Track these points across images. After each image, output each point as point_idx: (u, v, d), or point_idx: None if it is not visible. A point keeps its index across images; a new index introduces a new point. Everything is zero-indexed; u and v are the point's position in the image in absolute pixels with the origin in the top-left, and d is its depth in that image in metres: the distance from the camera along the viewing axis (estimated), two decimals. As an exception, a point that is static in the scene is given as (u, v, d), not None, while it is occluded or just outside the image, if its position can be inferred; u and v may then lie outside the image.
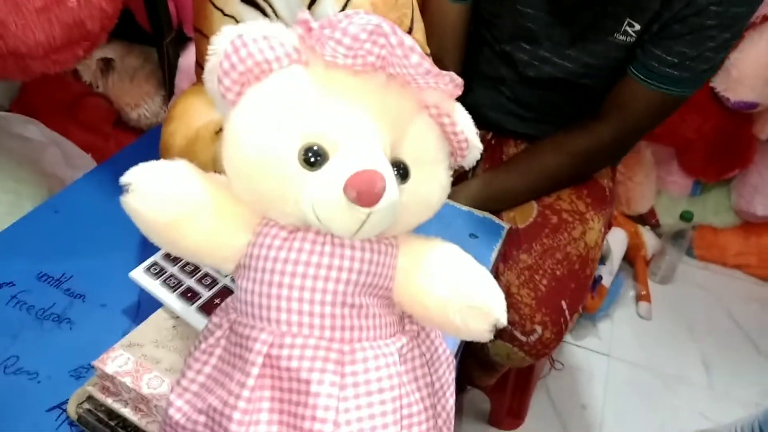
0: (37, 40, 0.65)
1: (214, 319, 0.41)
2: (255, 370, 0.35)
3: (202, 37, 0.66)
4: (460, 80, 0.36)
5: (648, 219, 1.70)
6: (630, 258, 1.64)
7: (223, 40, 0.35)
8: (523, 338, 0.78)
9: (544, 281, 0.79)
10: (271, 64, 0.35)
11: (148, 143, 0.86)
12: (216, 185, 0.38)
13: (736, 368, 1.47)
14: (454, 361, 0.46)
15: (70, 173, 0.95)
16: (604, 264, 1.49)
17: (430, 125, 0.38)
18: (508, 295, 0.78)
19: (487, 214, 0.73)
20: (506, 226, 0.73)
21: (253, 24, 0.36)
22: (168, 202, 0.36)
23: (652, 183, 1.64)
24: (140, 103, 1.18)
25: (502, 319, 0.40)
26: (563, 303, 0.79)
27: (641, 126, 0.82)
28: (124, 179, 0.36)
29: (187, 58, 1.14)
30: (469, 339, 0.41)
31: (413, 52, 0.33)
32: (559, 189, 0.89)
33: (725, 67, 1.36)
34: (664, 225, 1.69)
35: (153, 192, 0.36)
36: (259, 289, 0.37)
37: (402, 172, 0.36)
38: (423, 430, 0.40)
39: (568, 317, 0.79)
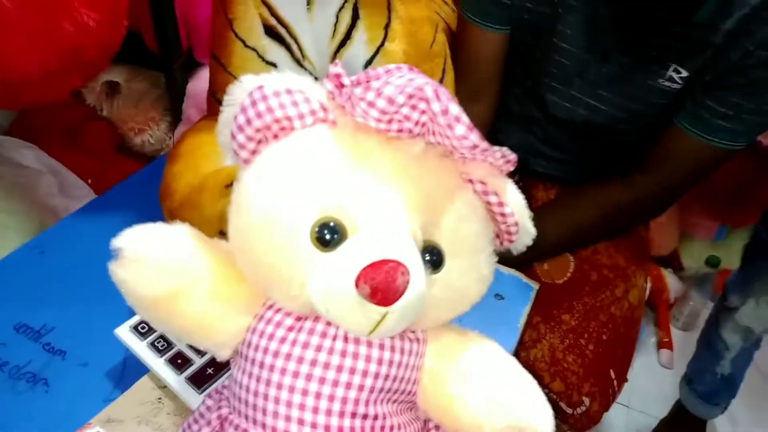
0: (29, 68, 0.60)
1: (206, 403, 0.35)
2: None
3: (219, 66, 0.61)
4: (513, 156, 0.30)
5: (671, 262, 1.62)
6: (652, 302, 1.56)
7: (241, 91, 0.30)
8: (569, 410, 0.70)
9: (591, 346, 0.72)
10: (292, 121, 0.30)
11: (151, 175, 0.81)
12: (218, 257, 0.32)
13: (764, 423, 1.38)
14: None
15: (65, 203, 0.90)
16: (626, 310, 1.41)
17: (473, 205, 0.32)
18: (553, 362, 0.71)
19: (514, 272, 0.66)
20: (536, 286, 0.66)
21: (277, 75, 0.30)
22: (160, 275, 0.30)
23: (675, 225, 1.57)
24: (145, 129, 1.13)
25: None
26: (611, 372, 0.72)
27: (687, 180, 0.75)
28: (116, 243, 0.30)
29: (196, 84, 1.09)
30: None
31: (459, 122, 0.27)
32: (593, 244, 0.83)
33: (758, 108, 1.30)
34: (687, 268, 1.61)
35: (143, 262, 0.30)
36: (255, 386, 0.30)
37: (435, 259, 0.30)
38: None
39: (616, 387, 0.72)
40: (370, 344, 0.30)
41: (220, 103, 0.67)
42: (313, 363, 0.30)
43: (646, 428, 1.36)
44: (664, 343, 1.51)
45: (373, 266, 0.26)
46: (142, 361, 0.49)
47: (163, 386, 0.48)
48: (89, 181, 1.08)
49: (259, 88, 0.30)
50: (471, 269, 0.32)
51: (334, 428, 0.30)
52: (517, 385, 0.33)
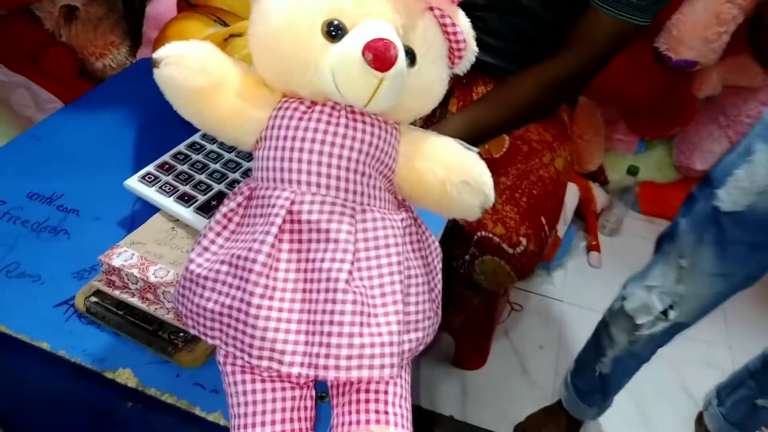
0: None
1: (233, 192, 0.44)
2: (278, 220, 0.39)
3: None
4: None
5: (597, 176, 1.80)
6: (581, 212, 1.73)
7: None
8: (510, 250, 0.83)
9: (524, 199, 0.86)
10: None
11: (122, 82, 0.87)
12: (240, 66, 0.42)
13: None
14: (441, 252, 0.50)
15: (40, 116, 0.95)
16: (558, 215, 1.57)
17: (435, 24, 0.42)
18: (494, 212, 0.85)
19: (458, 141, 0.78)
20: (477, 150, 0.78)
21: None
22: (199, 70, 0.39)
23: (601, 142, 1.73)
24: (105, 54, 1.18)
25: (491, 196, 0.45)
26: (542, 219, 0.86)
27: (604, 52, 0.89)
28: (157, 54, 0.39)
29: (155, 7, 1.13)
30: (461, 215, 0.46)
31: None
32: (531, 119, 0.95)
33: (667, 26, 1.46)
34: (612, 181, 1.80)
35: (187, 61, 0.39)
36: (281, 154, 0.41)
37: (410, 57, 0.40)
38: (420, 291, 0.45)
39: (548, 232, 0.86)
40: (364, 122, 0.41)
41: (191, 5, 0.73)
42: (325, 132, 0.40)
43: (578, 318, 1.55)
44: (592, 246, 1.69)
45: (374, 41, 0.36)
46: (154, 203, 0.58)
47: (175, 220, 0.57)
48: (55, 102, 1.12)
49: None
50: (435, 69, 0.43)
51: (342, 179, 0.40)
52: (466, 155, 0.45)
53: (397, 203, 0.46)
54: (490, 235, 0.84)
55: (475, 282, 0.91)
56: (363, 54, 0.36)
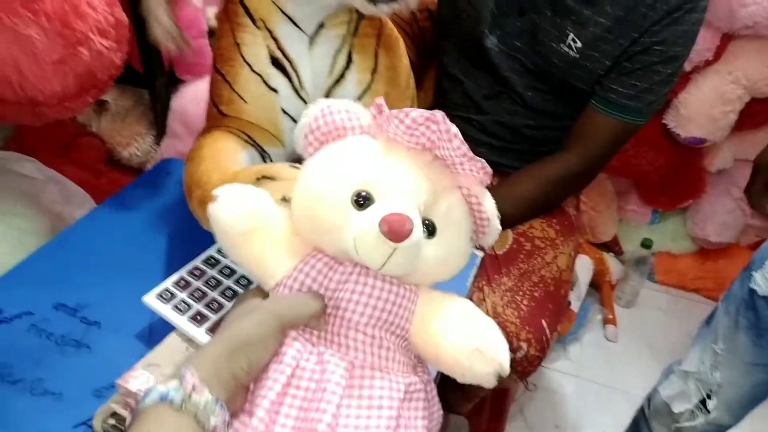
0: (53, 89, 0.71)
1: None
2: (283, 378, 0.42)
3: (225, 82, 0.72)
4: (489, 169, 0.44)
5: (611, 247, 1.80)
6: (596, 284, 1.73)
7: (315, 108, 0.45)
8: (511, 355, 0.84)
9: (525, 302, 0.87)
10: (347, 131, 0.45)
11: (145, 184, 0.92)
12: (281, 215, 0.46)
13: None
14: (442, 417, 0.50)
15: (68, 210, 1.00)
16: (572, 290, 1.58)
17: (461, 201, 0.46)
18: (495, 315, 0.85)
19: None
20: (480, 254, 0.80)
21: (341, 101, 0.46)
22: (251, 216, 0.44)
23: (613, 212, 1.75)
24: (131, 143, 1.24)
25: (505, 366, 0.45)
26: (544, 322, 0.86)
27: (604, 152, 0.93)
28: (217, 191, 0.44)
29: (179, 101, 1.20)
30: (476, 382, 0.45)
31: (456, 138, 0.42)
32: (533, 216, 0.97)
33: (675, 105, 1.49)
34: (626, 252, 1.80)
35: (238, 205, 0.44)
36: None
37: (430, 228, 0.43)
38: None
39: (549, 335, 0.87)
40: (381, 281, 0.44)
41: (222, 114, 0.76)
42: (344, 290, 0.43)
43: (594, 394, 1.53)
44: (608, 320, 1.68)
45: (391, 215, 0.40)
46: (169, 321, 0.61)
47: (188, 339, 0.60)
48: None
49: (328, 106, 0.45)
50: (454, 243, 0.45)
51: (351, 338, 0.43)
52: (480, 322, 0.46)
53: (413, 364, 0.47)
54: None
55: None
56: (379, 225, 0.40)
